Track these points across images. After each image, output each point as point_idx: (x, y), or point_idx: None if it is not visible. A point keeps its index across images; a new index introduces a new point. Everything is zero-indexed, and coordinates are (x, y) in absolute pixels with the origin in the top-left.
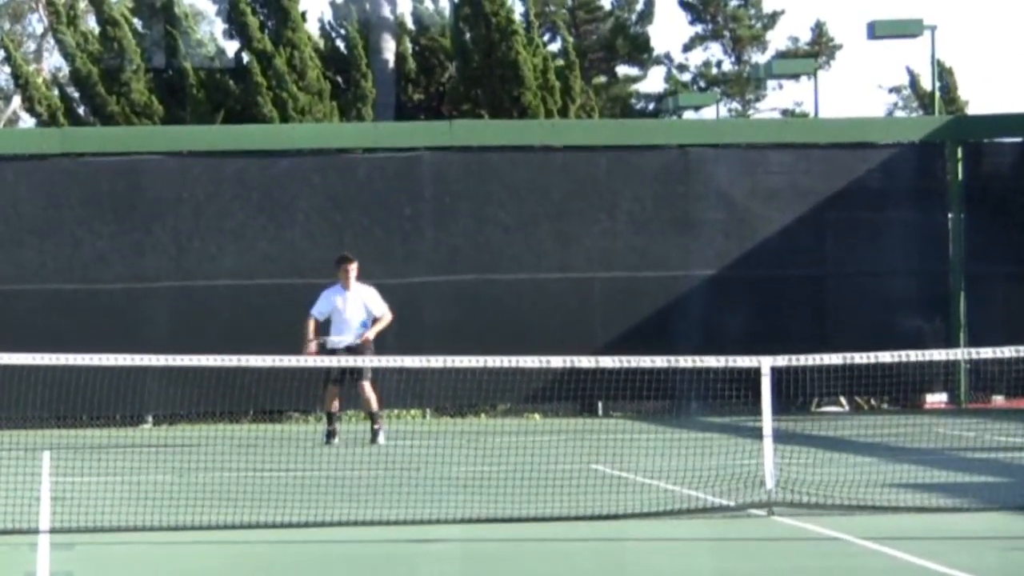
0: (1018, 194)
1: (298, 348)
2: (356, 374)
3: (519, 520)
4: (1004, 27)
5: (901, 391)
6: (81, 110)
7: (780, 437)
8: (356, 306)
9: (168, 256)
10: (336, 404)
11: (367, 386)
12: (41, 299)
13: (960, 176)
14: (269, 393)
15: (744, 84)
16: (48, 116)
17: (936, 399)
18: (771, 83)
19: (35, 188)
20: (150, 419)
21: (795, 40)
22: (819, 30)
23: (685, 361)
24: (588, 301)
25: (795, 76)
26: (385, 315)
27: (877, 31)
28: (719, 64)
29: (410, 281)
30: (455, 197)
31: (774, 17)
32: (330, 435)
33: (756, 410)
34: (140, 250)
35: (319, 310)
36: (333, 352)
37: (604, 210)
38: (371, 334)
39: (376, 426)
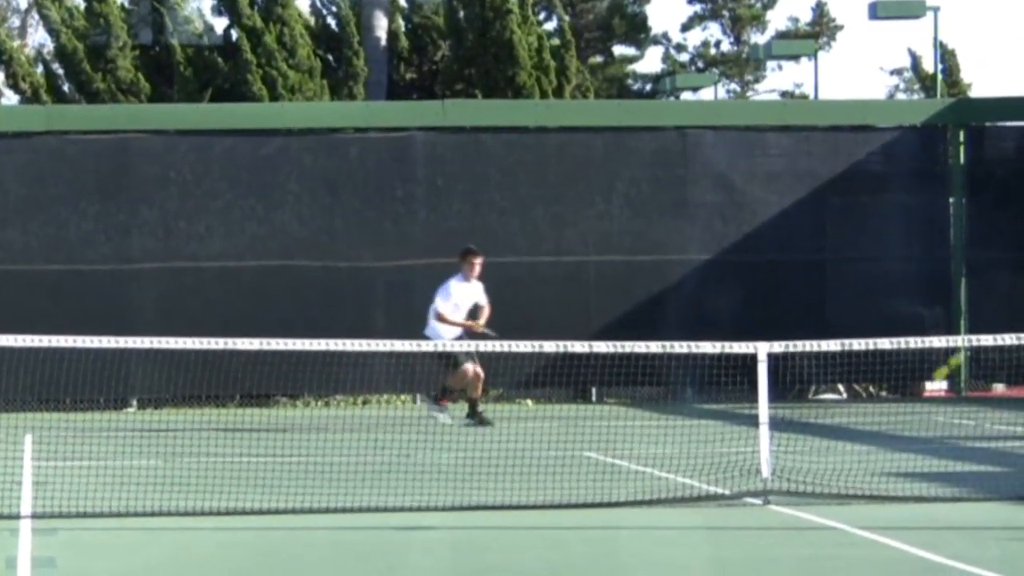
0: (1021, 179)
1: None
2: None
3: (510, 508)
4: (1007, 9)
5: (900, 379)
6: (66, 87)
7: (776, 425)
8: (472, 299)
9: (155, 237)
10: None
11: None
12: (25, 280)
13: (962, 160)
14: (256, 377)
15: (743, 65)
16: (32, 93)
17: (936, 387)
18: (771, 64)
19: (19, 167)
20: (135, 403)
21: (795, 20)
22: (820, 10)
23: (680, 347)
24: (583, 285)
25: (795, 57)
26: (486, 307)
27: (879, 12)
28: (718, 44)
29: (402, 264)
30: (448, 178)
31: None
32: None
33: (752, 397)
34: (126, 231)
35: (455, 302)
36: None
37: (600, 193)
38: (481, 325)
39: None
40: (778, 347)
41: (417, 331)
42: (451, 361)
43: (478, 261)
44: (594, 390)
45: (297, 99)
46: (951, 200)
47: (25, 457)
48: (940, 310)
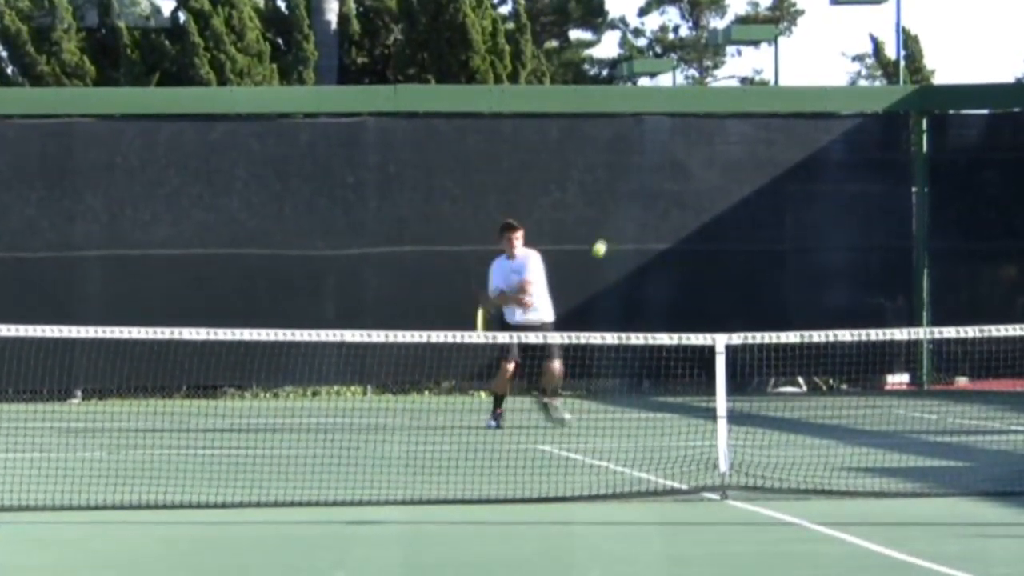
0: (984, 168)
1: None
2: (546, 351)
3: (462, 502)
4: None
5: (861, 371)
6: (10, 70)
7: (735, 418)
8: (516, 275)
9: (100, 224)
10: (509, 386)
11: (558, 364)
12: None
13: (925, 148)
14: (203, 367)
15: (702, 50)
16: None
17: (897, 380)
18: (730, 50)
19: None
20: (79, 394)
21: (755, 5)
22: None
23: (637, 338)
24: None
25: (755, 43)
26: (529, 280)
27: None
28: (676, 29)
29: (352, 252)
30: (400, 165)
31: None
32: (498, 419)
33: (710, 390)
34: (70, 217)
35: (494, 286)
36: (510, 327)
37: (555, 180)
38: (521, 292)
39: (557, 402)
40: (736, 339)
41: (368, 321)
42: (501, 353)
43: (515, 236)
44: None
45: (245, 83)
46: (913, 189)
47: None
48: (902, 301)
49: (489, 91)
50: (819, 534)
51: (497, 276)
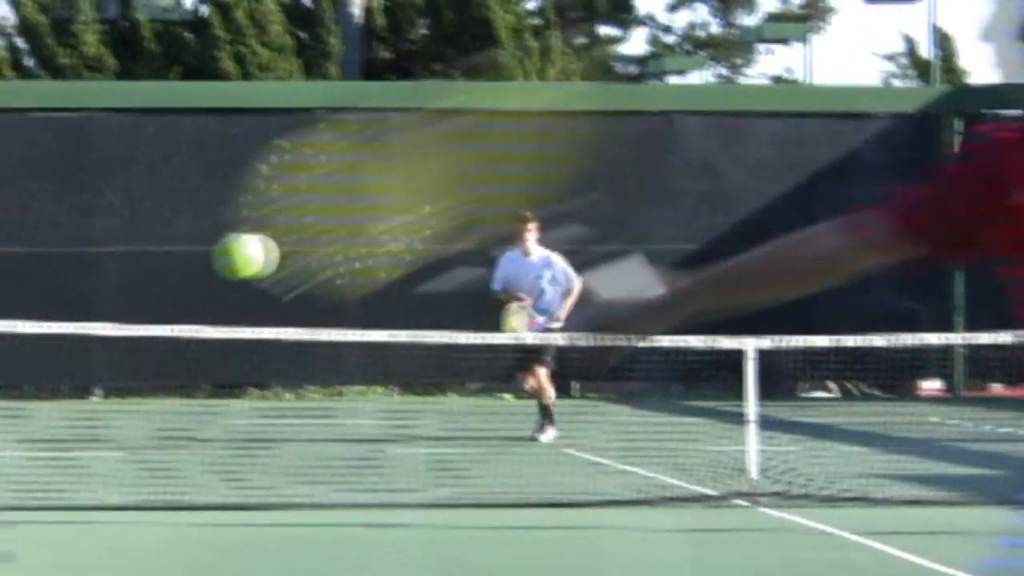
0: None
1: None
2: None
3: (486, 506)
4: None
5: (893, 377)
6: (30, 63)
7: (765, 423)
8: (532, 274)
9: (119, 219)
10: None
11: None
12: None
13: (958, 150)
14: (225, 366)
15: (732, 48)
16: None
17: (930, 386)
18: (761, 48)
19: None
20: (99, 391)
21: (787, 2)
22: None
23: (666, 341)
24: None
25: (786, 41)
26: (575, 287)
27: None
28: (706, 26)
29: (376, 249)
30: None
31: None
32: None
33: (740, 394)
34: (90, 212)
35: (497, 282)
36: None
37: (581, 179)
38: (563, 313)
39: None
40: (767, 343)
41: (393, 321)
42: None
43: (526, 228)
44: (576, 384)
45: (268, 78)
46: None
47: None
48: (935, 306)
49: (514, 88)
50: (850, 541)
51: (506, 270)
